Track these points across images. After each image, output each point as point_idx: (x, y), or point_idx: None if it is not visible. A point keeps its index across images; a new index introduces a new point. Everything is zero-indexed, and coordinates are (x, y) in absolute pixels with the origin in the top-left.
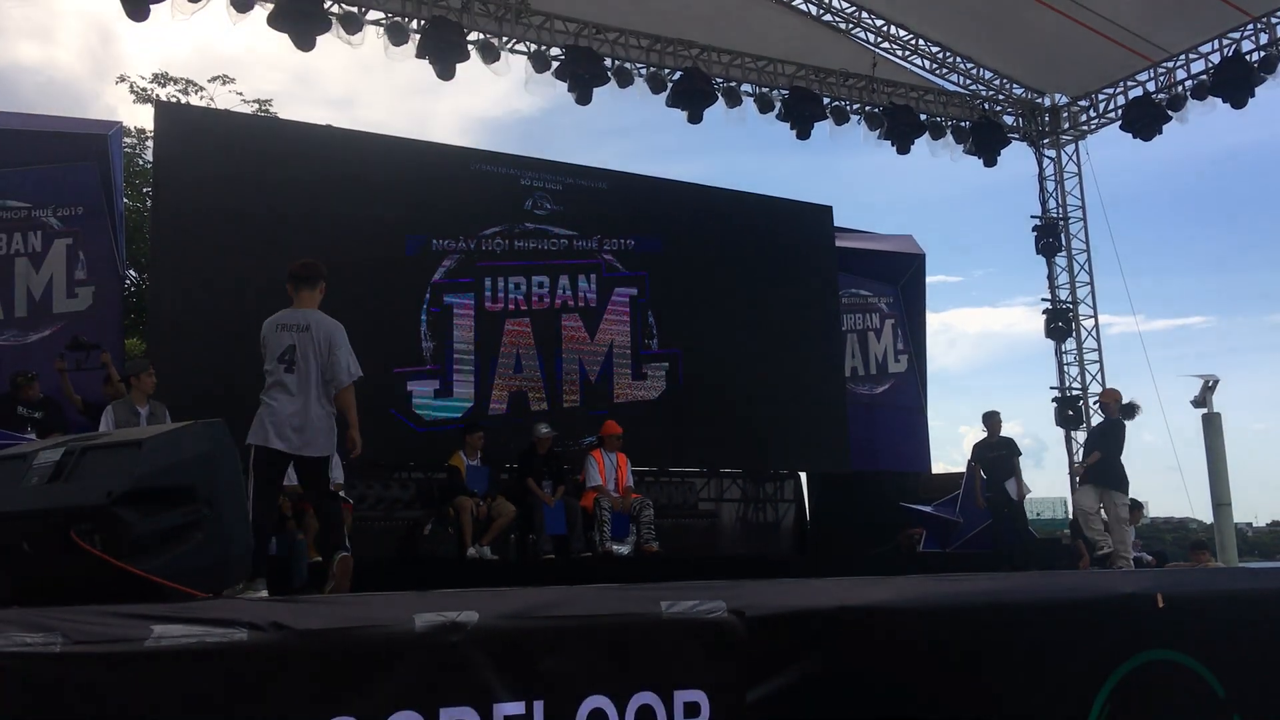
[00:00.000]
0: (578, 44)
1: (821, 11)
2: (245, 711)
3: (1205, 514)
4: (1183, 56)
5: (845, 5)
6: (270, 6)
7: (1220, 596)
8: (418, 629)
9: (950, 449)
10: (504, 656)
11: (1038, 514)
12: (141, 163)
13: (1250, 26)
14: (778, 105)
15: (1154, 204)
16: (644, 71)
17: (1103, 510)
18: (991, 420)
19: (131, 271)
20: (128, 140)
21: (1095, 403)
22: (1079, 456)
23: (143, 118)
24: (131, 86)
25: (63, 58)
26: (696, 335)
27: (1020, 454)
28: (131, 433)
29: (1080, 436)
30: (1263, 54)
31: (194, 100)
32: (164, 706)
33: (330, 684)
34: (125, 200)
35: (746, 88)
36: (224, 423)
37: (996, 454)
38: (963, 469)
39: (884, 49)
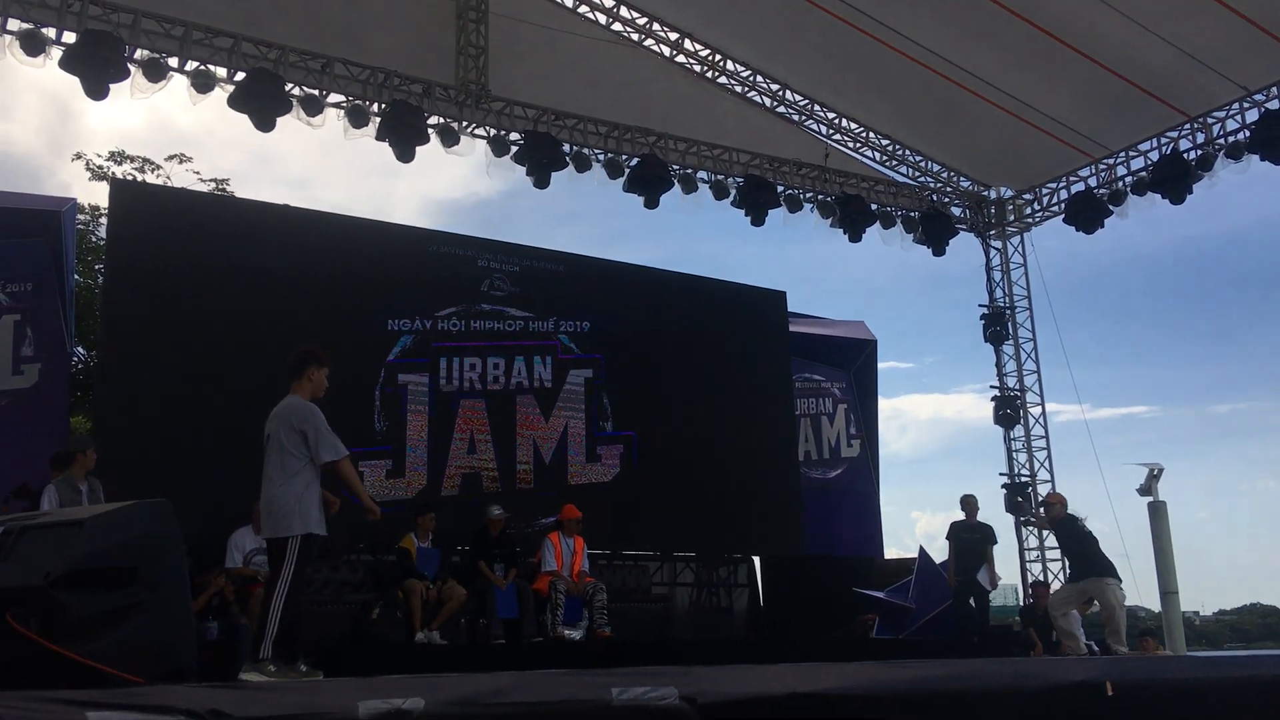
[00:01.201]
0: (536, 129)
1: (775, 103)
2: None
3: (1153, 602)
4: (1123, 154)
5: (798, 98)
6: (231, 88)
7: (1168, 685)
8: (361, 717)
9: (902, 534)
10: None
11: (992, 601)
12: (94, 239)
13: (1188, 126)
14: (733, 192)
15: (1098, 295)
16: (602, 157)
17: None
18: (969, 503)
19: (80, 349)
20: (81, 217)
21: (1042, 510)
22: (1030, 541)
23: (98, 195)
24: (88, 164)
25: (19, 133)
26: (651, 418)
27: (995, 542)
28: (73, 512)
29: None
30: (1200, 152)
31: (150, 178)
32: None
33: None
34: (76, 277)
35: (702, 174)
36: (169, 503)
37: (972, 536)
38: (914, 554)
39: (836, 140)
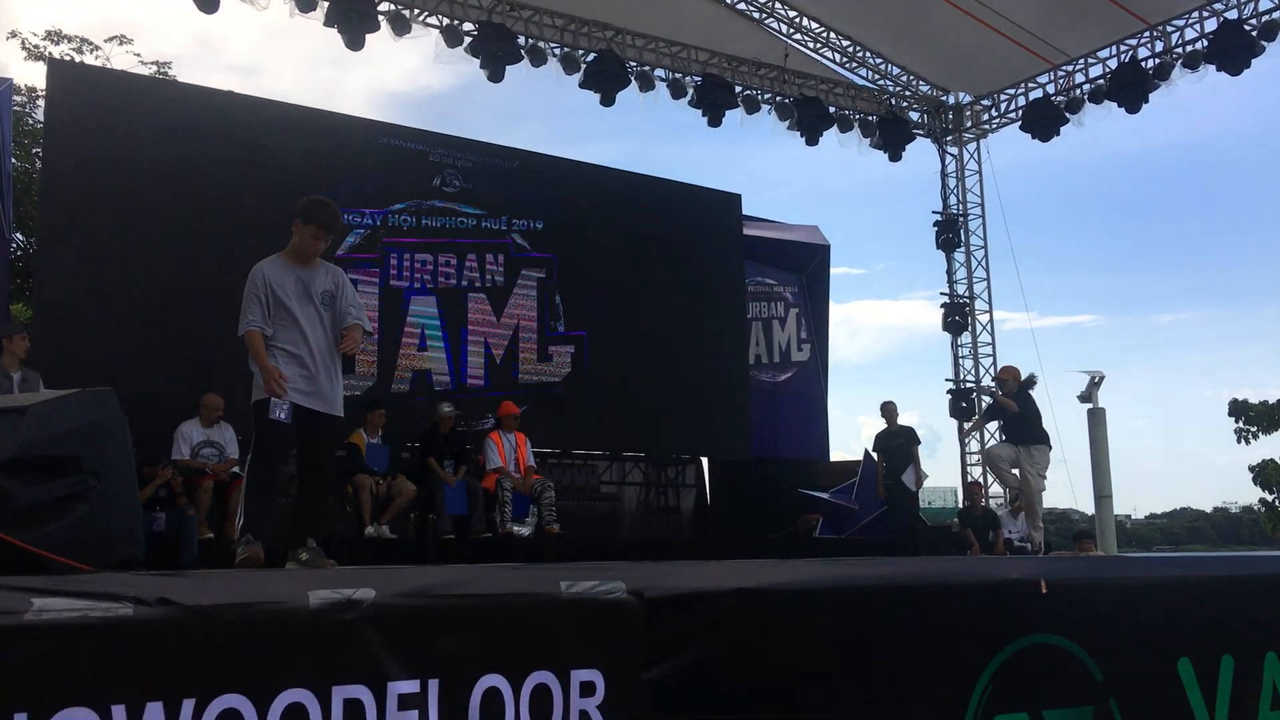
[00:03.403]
0: (491, 19)
1: (735, 0)
2: (130, 688)
3: (1088, 505)
4: (1082, 61)
5: None
6: None
7: (1100, 584)
8: (312, 606)
9: (848, 438)
10: (399, 635)
11: (929, 502)
12: (31, 122)
13: (1147, 34)
14: (690, 92)
15: (1049, 205)
16: (558, 51)
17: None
18: (889, 410)
19: (18, 235)
20: (17, 98)
21: (993, 381)
22: (972, 446)
23: (34, 76)
24: (23, 43)
25: None
26: (603, 318)
27: (919, 443)
28: (15, 399)
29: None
30: (1158, 61)
31: (89, 60)
32: (44, 682)
33: (220, 661)
34: (13, 161)
35: (660, 73)
36: (113, 392)
37: (895, 443)
38: (859, 457)
39: (796, 40)
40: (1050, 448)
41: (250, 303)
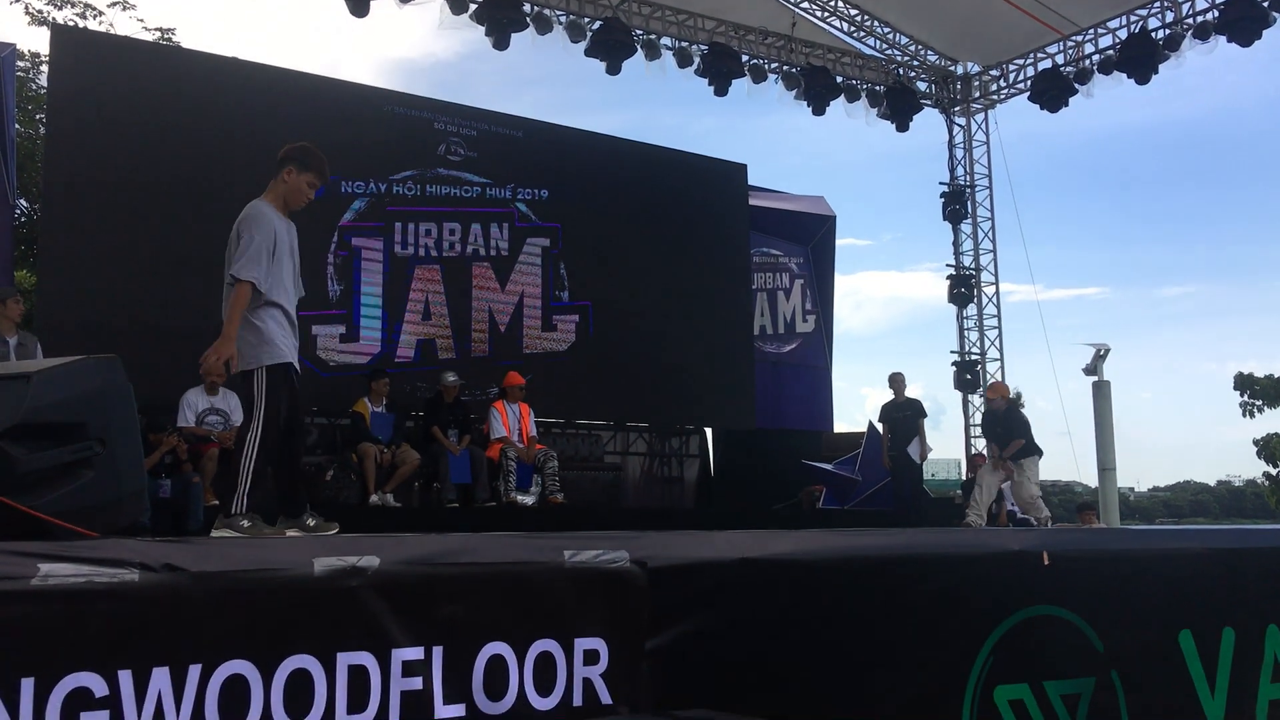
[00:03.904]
0: None
1: None
2: (136, 654)
3: (1091, 478)
4: (1092, 31)
5: None
6: None
7: (1103, 556)
8: (316, 573)
9: (853, 409)
10: (404, 602)
11: (932, 474)
12: (35, 88)
13: (1158, 4)
14: (696, 60)
15: (1056, 176)
16: (563, 19)
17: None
18: (897, 381)
19: (22, 201)
20: (21, 64)
21: (982, 398)
22: (975, 418)
23: (37, 41)
24: (27, 8)
25: None
26: (607, 288)
27: (925, 415)
28: (21, 365)
29: (976, 400)
30: (1168, 31)
31: (92, 24)
32: (51, 647)
33: (225, 627)
34: (17, 126)
35: (666, 41)
36: (118, 359)
37: (902, 414)
38: (863, 429)
39: (803, 9)
40: (1041, 455)
41: (260, 250)
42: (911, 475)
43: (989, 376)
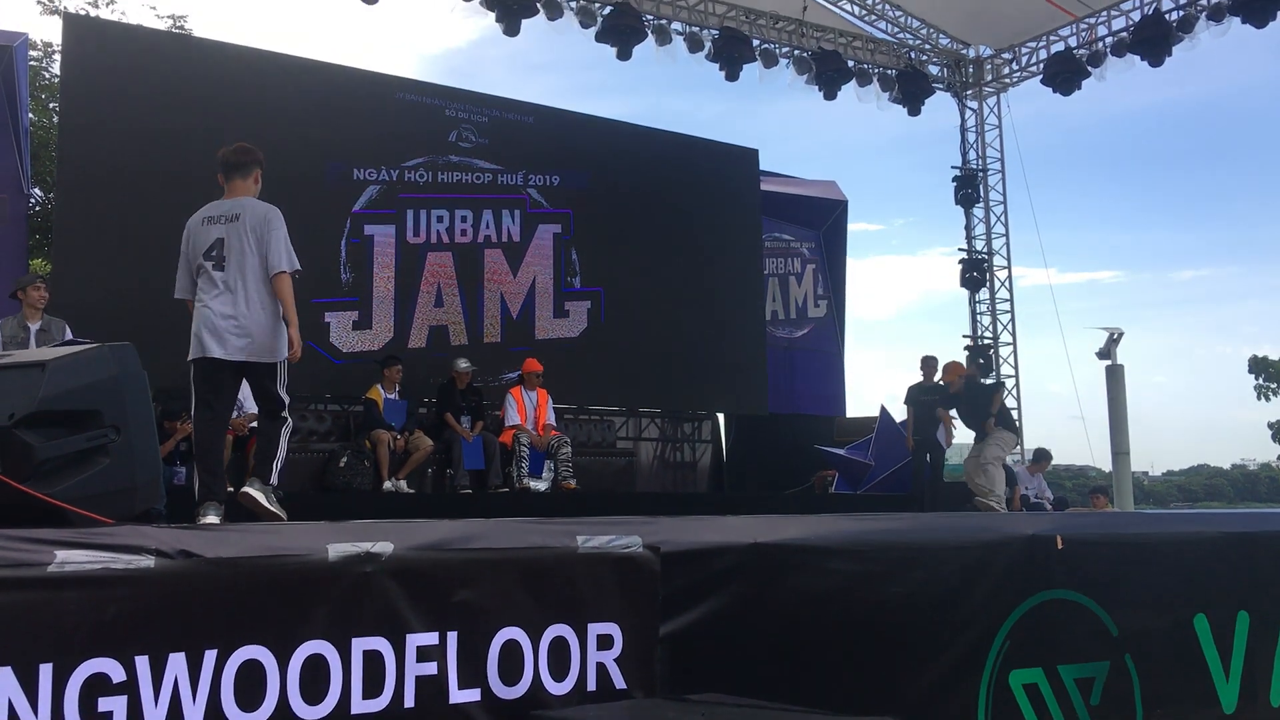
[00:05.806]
0: None
1: None
2: (153, 639)
3: (1105, 462)
4: (1104, 13)
5: None
6: None
7: (1117, 540)
8: (331, 559)
9: (865, 394)
10: (418, 587)
11: (947, 459)
12: (48, 77)
13: None
14: (707, 45)
15: (1069, 159)
16: (574, 4)
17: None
18: (928, 364)
19: (37, 190)
20: (34, 53)
21: (943, 382)
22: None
23: (50, 30)
24: None
25: None
26: (619, 274)
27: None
28: (35, 354)
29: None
30: (1182, 13)
31: (104, 14)
32: (67, 632)
33: (240, 613)
34: (31, 116)
35: (677, 26)
36: (133, 347)
37: (930, 398)
38: (876, 413)
39: None
40: (1016, 436)
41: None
42: (936, 459)
43: (1002, 361)
